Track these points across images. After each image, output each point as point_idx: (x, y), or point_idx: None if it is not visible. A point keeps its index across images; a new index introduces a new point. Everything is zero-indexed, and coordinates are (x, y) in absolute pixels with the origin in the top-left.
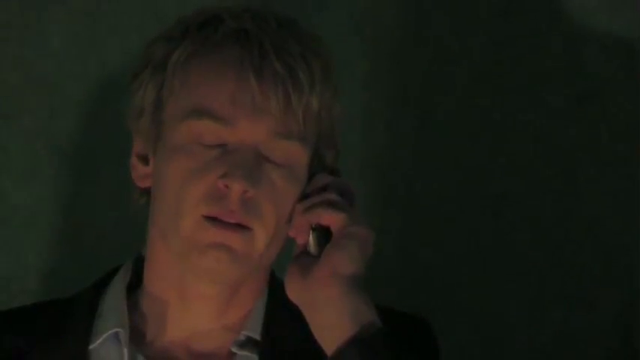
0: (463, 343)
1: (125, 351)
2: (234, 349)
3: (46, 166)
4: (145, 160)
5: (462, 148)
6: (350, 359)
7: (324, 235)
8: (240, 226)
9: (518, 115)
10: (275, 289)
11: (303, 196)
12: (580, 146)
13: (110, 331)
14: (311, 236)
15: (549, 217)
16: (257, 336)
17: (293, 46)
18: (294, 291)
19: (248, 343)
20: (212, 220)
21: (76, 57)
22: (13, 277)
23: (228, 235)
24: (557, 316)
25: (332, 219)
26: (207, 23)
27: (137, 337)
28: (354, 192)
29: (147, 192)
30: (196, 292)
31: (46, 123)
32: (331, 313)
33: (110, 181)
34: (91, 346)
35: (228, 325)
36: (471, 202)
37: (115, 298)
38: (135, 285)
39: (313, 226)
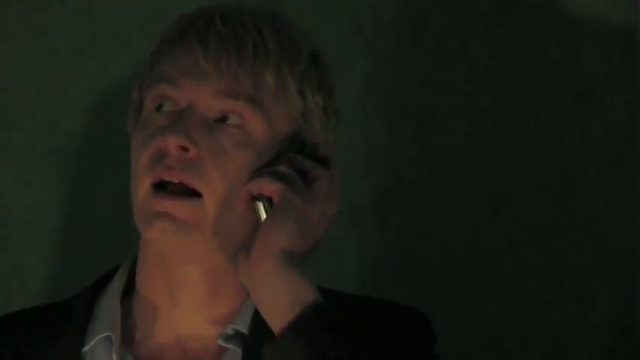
0: (463, 343)
1: (114, 355)
2: (219, 342)
3: (46, 166)
4: None
5: (461, 148)
6: (291, 342)
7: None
8: (186, 193)
9: (518, 115)
10: None
11: None
12: (579, 146)
13: (102, 335)
14: (261, 210)
15: (549, 217)
16: (245, 329)
17: (246, 18)
18: (241, 271)
19: (235, 337)
20: (158, 188)
21: (76, 57)
22: (13, 277)
23: (172, 204)
24: (556, 315)
25: (270, 188)
26: (182, 19)
27: (129, 339)
28: (318, 174)
29: None
30: (179, 280)
31: (46, 123)
32: (268, 291)
33: (110, 181)
34: (84, 349)
35: (218, 319)
36: (471, 202)
37: (109, 300)
38: (131, 288)
39: (255, 195)
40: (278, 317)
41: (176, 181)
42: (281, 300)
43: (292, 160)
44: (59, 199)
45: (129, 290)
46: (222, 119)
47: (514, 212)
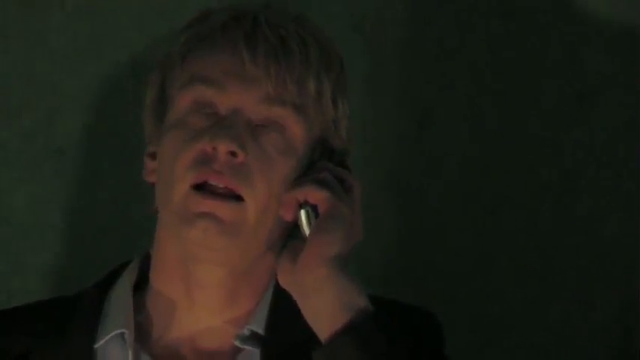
0: (463, 343)
1: (129, 353)
2: (237, 343)
3: (46, 165)
4: (154, 156)
5: (462, 147)
6: (343, 347)
7: (315, 215)
8: (230, 196)
9: (518, 115)
10: None
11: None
12: (580, 146)
13: (115, 332)
14: (303, 216)
15: (549, 217)
16: (261, 330)
17: (288, 23)
18: (285, 277)
19: (252, 338)
20: (201, 189)
21: (76, 57)
22: (14, 276)
23: (215, 205)
24: (556, 316)
25: (316, 196)
26: (209, 15)
27: (143, 336)
28: (353, 182)
29: None
30: (200, 280)
31: (46, 123)
32: (319, 297)
33: (110, 181)
34: (96, 345)
35: (235, 319)
36: (471, 202)
37: (121, 297)
38: (142, 283)
39: (302, 202)
40: (328, 322)
41: (222, 186)
42: (332, 305)
43: (329, 168)
44: (59, 198)
45: (140, 285)
46: (265, 125)
47: (514, 212)
